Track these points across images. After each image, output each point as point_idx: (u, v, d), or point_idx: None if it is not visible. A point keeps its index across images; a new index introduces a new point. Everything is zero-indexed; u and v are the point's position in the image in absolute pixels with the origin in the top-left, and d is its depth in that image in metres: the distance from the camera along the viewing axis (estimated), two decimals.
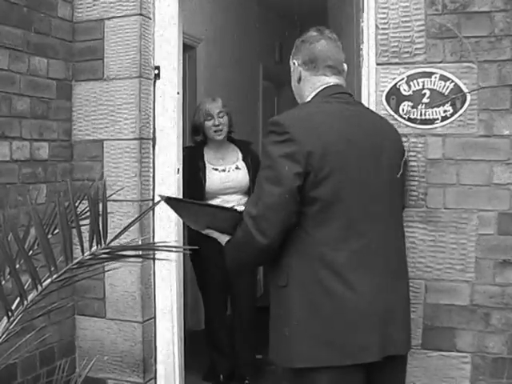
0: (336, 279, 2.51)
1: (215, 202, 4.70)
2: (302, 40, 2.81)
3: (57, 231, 2.42)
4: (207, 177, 4.76)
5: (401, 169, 2.74)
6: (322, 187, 2.49)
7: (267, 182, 2.52)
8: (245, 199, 4.71)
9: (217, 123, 4.79)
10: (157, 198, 3.84)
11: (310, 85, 2.77)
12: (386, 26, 3.32)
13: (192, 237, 4.24)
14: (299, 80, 2.81)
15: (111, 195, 3.35)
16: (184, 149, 4.24)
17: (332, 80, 2.75)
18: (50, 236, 2.41)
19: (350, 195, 2.53)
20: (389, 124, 2.93)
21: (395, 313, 2.67)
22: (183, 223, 3.89)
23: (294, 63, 2.82)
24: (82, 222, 2.20)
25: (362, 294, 2.53)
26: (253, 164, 4.76)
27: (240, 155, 4.94)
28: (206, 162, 4.81)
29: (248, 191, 4.79)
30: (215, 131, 4.79)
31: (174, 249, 3.17)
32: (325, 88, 2.73)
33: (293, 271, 2.58)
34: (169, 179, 3.89)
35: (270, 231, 2.50)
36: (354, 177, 2.55)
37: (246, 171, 4.83)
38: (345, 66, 2.83)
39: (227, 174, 4.83)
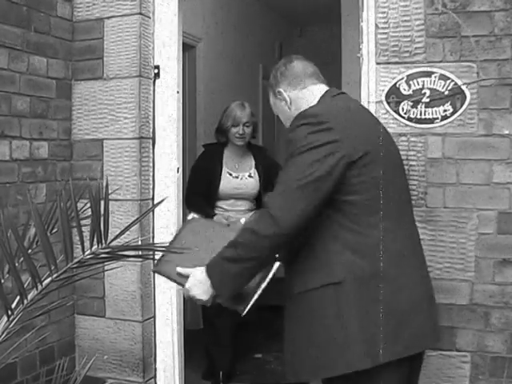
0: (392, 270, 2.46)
1: (226, 203, 4.85)
2: (276, 71, 2.89)
3: (55, 230, 2.42)
4: (222, 179, 4.86)
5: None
6: (365, 176, 2.46)
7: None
8: (251, 205, 4.91)
9: (241, 132, 4.84)
10: (157, 199, 3.84)
11: (306, 97, 2.75)
12: (386, 26, 3.32)
13: None
14: (290, 104, 2.78)
15: (111, 193, 3.35)
16: (206, 145, 4.49)
17: (323, 86, 2.78)
18: (50, 235, 2.41)
19: (387, 187, 2.50)
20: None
21: (428, 305, 2.63)
22: (182, 223, 3.92)
23: (280, 92, 2.81)
24: (82, 222, 2.20)
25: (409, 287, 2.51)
26: (264, 172, 4.91)
27: (253, 163, 5.02)
28: (224, 165, 4.89)
29: (256, 199, 4.92)
30: (238, 138, 4.85)
31: (173, 249, 3.16)
32: (325, 92, 2.74)
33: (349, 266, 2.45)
34: (169, 178, 3.89)
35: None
36: (388, 167, 2.54)
37: (258, 179, 4.93)
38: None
39: (240, 182, 4.91)
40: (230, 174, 4.90)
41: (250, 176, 4.95)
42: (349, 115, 2.58)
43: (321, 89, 2.75)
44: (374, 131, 2.59)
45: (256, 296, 2.66)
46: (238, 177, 4.93)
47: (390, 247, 2.46)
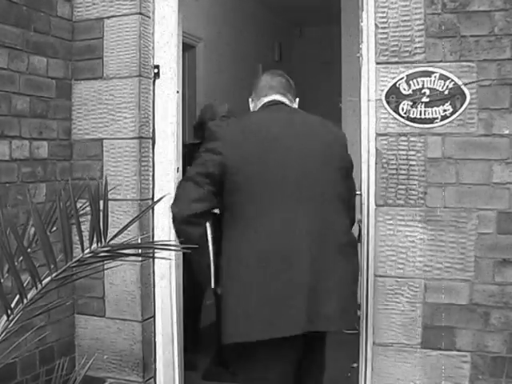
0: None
1: None
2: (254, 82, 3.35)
3: (55, 229, 2.42)
4: None
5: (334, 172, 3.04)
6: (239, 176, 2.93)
7: None
8: None
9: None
10: (156, 197, 3.85)
11: (258, 104, 3.25)
12: (386, 26, 3.32)
13: None
14: (254, 107, 3.28)
15: (110, 192, 3.35)
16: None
17: (272, 97, 3.21)
18: (49, 234, 2.41)
19: (272, 188, 2.94)
20: (327, 129, 3.17)
21: (325, 292, 2.89)
22: None
23: (249, 100, 3.36)
24: (81, 221, 2.20)
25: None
26: None
27: None
28: None
29: None
30: None
31: (173, 248, 3.17)
32: (265, 102, 3.21)
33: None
34: (168, 178, 3.89)
35: None
36: (271, 168, 2.96)
37: None
38: (293, 90, 3.29)
39: None
40: None
41: None
42: (244, 128, 3.08)
43: (265, 100, 3.22)
44: (269, 143, 2.99)
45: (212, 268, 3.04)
46: None
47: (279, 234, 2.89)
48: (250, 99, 3.34)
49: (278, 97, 3.19)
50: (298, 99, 3.31)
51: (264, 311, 2.86)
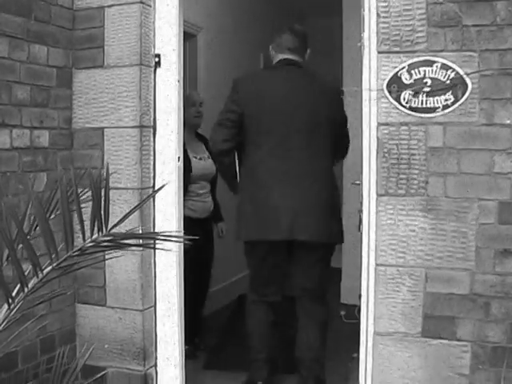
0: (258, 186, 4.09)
1: (196, 186, 5.17)
2: (277, 32, 4.46)
3: (54, 216, 2.42)
4: (191, 162, 5.05)
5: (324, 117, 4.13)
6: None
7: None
8: (209, 187, 5.32)
9: (198, 110, 5.33)
10: (157, 186, 3.85)
11: (275, 58, 4.36)
12: (388, 15, 3.30)
13: None
14: (272, 58, 4.38)
15: (111, 180, 3.34)
16: None
17: (286, 55, 4.29)
18: (50, 223, 2.41)
19: (272, 128, 4.09)
20: (323, 84, 4.32)
21: (304, 210, 4.01)
22: (184, 213, 3.96)
23: (269, 48, 4.43)
24: (83, 210, 2.20)
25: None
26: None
27: (203, 146, 5.28)
28: (188, 149, 4.99)
29: (212, 179, 5.33)
30: (196, 117, 5.29)
31: (174, 238, 3.16)
32: (279, 60, 4.31)
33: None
34: (169, 167, 3.89)
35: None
36: (271, 117, 4.10)
37: (212, 161, 5.14)
38: (307, 49, 4.37)
39: (204, 163, 5.21)
40: (195, 157, 5.15)
41: (208, 157, 5.21)
42: (254, 83, 4.31)
43: (278, 58, 4.34)
44: (273, 91, 4.19)
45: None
46: (202, 159, 5.21)
47: (270, 167, 4.07)
48: (270, 48, 4.42)
49: (290, 56, 4.29)
50: (308, 50, 4.39)
51: (259, 221, 4.08)
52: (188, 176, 4.88)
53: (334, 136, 4.17)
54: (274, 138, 4.07)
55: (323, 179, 4.13)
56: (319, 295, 4.30)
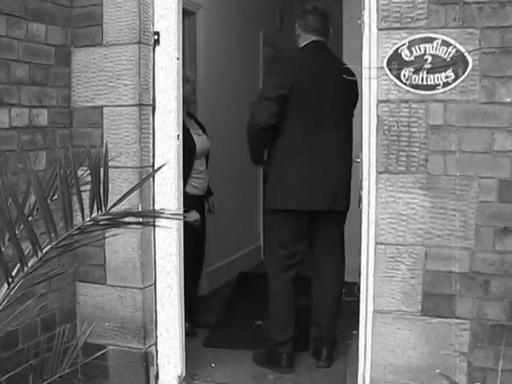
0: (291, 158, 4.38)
1: (199, 162, 5.14)
2: (302, 11, 4.65)
3: (56, 197, 2.42)
4: (194, 139, 5.03)
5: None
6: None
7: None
8: (205, 162, 5.31)
9: (194, 86, 5.41)
10: (157, 166, 3.84)
11: (299, 40, 4.57)
12: None
13: None
14: (298, 36, 4.58)
15: (110, 160, 3.34)
16: None
17: (314, 37, 4.50)
18: (50, 202, 2.41)
19: (309, 105, 4.33)
20: (348, 71, 4.23)
21: (340, 183, 4.44)
22: (184, 190, 3.96)
23: (295, 26, 4.60)
24: (82, 188, 2.19)
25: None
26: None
27: (194, 122, 5.29)
28: (189, 127, 5.01)
29: (207, 154, 5.34)
30: (190, 92, 5.15)
31: (174, 216, 3.16)
32: (310, 41, 4.50)
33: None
34: (169, 145, 3.88)
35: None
36: (310, 95, 4.34)
37: (206, 136, 5.24)
38: (330, 30, 4.59)
39: (203, 139, 5.21)
40: (195, 133, 5.12)
41: (203, 133, 5.25)
42: (296, 61, 4.46)
43: (309, 39, 4.51)
44: (311, 71, 4.38)
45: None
46: (199, 135, 5.19)
47: (299, 144, 4.35)
48: (297, 26, 4.58)
49: (318, 38, 4.51)
50: (331, 30, 4.64)
51: (291, 191, 4.37)
52: (193, 153, 4.93)
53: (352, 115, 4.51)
54: (311, 117, 4.34)
55: (350, 159, 4.49)
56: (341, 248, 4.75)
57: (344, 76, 4.06)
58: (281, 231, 4.50)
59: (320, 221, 4.52)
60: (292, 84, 4.25)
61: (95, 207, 2.14)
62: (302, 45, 4.52)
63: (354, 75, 4.08)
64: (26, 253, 2.18)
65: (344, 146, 4.46)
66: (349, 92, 4.38)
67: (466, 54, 3.16)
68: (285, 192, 4.39)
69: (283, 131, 4.35)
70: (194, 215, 4.90)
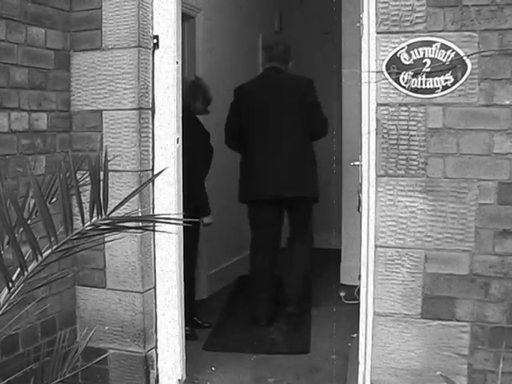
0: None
1: None
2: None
3: (55, 200, 2.42)
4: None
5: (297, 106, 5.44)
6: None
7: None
8: None
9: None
10: (157, 170, 3.84)
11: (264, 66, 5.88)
12: None
13: None
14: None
15: (110, 164, 3.33)
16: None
17: (271, 64, 5.65)
18: (49, 206, 2.41)
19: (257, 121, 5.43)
20: (297, 80, 5.65)
21: (287, 173, 5.39)
22: (183, 195, 3.96)
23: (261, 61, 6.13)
24: (82, 193, 2.19)
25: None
26: None
27: None
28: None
29: None
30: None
31: (174, 221, 3.17)
32: (266, 68, 5.78)
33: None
34: (168, 149, 3.88)
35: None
36: (261, 110, 5.44)
37: None
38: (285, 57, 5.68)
39: None
40: None
41: None
42: (249, 85, 5.66)
43: (266, 66, 5.79)
44: (261, 91, 5.53)
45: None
46: None
47: (262, 144, 5.42)
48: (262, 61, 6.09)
49: (274, 64, 5.60)
50: (291, 62, 5.73)
51: (253, 183, 5.48)
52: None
53: (307, 118, 5.46)
54: (262, 129, 5.44)
55: (303, 155, 5.51)
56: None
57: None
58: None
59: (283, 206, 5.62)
60: (241, 110, 5.55)
61: (95, 211, 2.14)
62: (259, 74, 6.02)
63: (310, 84, 5.56)
64: (25, 257, 2.18)
65: (295, 146, 5.45)
66: (298, 99, 5.45)
67: (464, 58, 3.16)
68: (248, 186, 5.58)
69: (246, 141, 5.57)
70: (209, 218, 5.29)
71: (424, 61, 3.22)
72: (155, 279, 3.99)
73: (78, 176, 2.32)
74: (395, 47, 3.26)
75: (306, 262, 5.75)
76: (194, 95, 5.28)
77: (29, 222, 2.40)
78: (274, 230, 5.64)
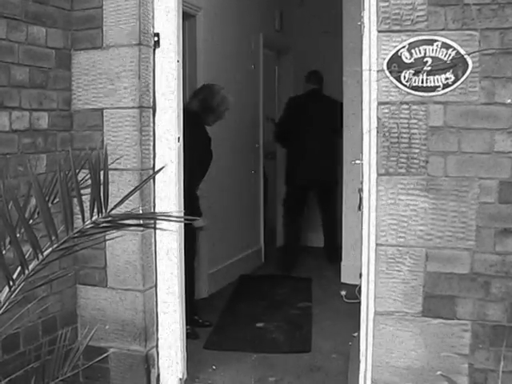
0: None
1: None
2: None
3: (57, 200, 2.42)
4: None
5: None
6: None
7: None
8: None
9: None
10: (157, 167, 3.84)
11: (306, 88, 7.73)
12: None
13: None
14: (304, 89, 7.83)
15: (111, 163, 3.34)
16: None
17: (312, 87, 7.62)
18: (50, 205, 2.41)
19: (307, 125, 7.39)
20: (333, 101, 7.39)
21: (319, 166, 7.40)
22: (184, 192, 3.95)
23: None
24: (82, 191, 2.19)
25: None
26: None
27: None
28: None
29: None
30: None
31: (175, 219, 3.16)
32: (309, 90, 7.64)
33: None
34: (169, 147, 3.88)
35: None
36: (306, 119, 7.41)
37: None
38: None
39: None
40: None
41: None
42: (300, 98, 7.71)
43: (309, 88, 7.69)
44: (303, 105, 7.49)
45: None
46: None
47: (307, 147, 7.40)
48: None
49: (314, 86, 7.56)
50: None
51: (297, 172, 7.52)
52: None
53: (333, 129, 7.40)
54: (304, 134, 7.41)
55: (332, 155, 7.54)
56: None
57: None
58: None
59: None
60: (291, 119, 7.55)
61: (96, 210, 2.14)
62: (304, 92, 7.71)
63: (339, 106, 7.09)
64: (26, 256, 2.18)
65: (327, 147, 7.47)
66: (329, 117, 7.39)
67: (465, 56, 3.16)
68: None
69: (293, 140, 7.57)
70: (200, 221, 5.05)
71: (425, 59, 3.22)
72: (156, 278, 3.98)
73: (80, 175, 2.32)
74: (396, 46, 3.26)
75: (334, 226, 7.64)
76: (215, 107, 5.34)
77: (30, 221, 2.39)
78: (302, 206, 7.70)
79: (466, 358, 3.28)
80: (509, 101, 3.14)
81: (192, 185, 5.00)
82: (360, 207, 3.63)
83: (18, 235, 2.22)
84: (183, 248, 4.02)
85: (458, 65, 3.17)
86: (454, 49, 3.17)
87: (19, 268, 2.19)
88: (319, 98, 7.56)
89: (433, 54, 3.20)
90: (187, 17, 5.68)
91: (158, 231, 3.87)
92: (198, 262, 5.75)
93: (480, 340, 3.26)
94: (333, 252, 7.53)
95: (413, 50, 3.23)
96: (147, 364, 3.94)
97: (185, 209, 4.36)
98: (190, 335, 4.73)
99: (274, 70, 8.81)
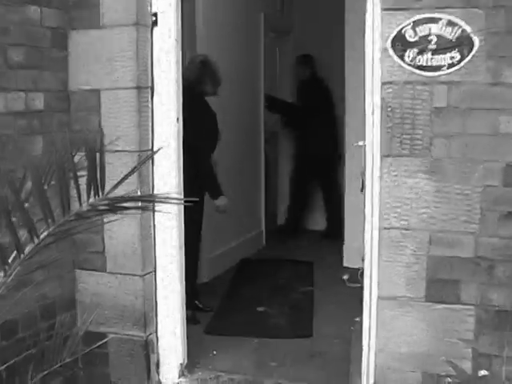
0: None
1: None
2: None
3: (53, 182, 2.38)
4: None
5: None
6: None
7: None
8: None
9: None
10: (156, 148, 3.80)
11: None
12: None
13: None
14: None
15: (109, 145, 3.30)
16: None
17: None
18: (46, 187, 2.36)
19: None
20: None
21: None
22: (184, 175, 3.91)
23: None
24: (79, 174, 2.15)
25: None
26: None
27: None
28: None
29: None
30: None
31: (174, 201, 3.12)
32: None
33: None
34: (168, 129, 3.83)
35: None
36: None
37: None
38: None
39: None
40: None
41: None
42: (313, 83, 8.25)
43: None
44: (319, 88, 8.20)
45: None
46: None
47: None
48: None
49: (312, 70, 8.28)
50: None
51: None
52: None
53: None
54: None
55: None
56: None
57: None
58: None
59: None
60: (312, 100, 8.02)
61: (92, 192, 2.10)
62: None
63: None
64: (22, 240, 2.15)
65: (332, 124, 8.08)
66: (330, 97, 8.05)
67: (471, 35, 3.10)
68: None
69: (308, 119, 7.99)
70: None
71: (430, 38, 3.16)
72: (155, 262, 3.95)
73: (77, 157, 2.27)
74: (400, 24, 3.20)
75: (337, 199, 7.90)
76: (201, 77, 5.20)
77: (26, 204, 2.35)
78: (311, 178, 8.29)
79: (470, 343, 3.25)
80: None
81: (208, 163, 5.04)
82: (362, 189, 3.59)
83: (13, 219, 2.18)
84: (183, 232, 3.98)
85: (463, 43, 3.11)
86: (460, 27, 3.11)
87: (15, 252, 2.16)
88: (321, 80, 8.15)
89: (438, 32, 3.14)
90: None
91: (157, 214, 3.83)
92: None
93: (484, 325, 3.24)
94: (336, 228, 7.69)
95: (417, 28, 3.17)
96: (147, 349, 3.91)
97: (200, 188, 4.33)
98: (191, 320, 4.70)
99: (275, 52, 8.74)
